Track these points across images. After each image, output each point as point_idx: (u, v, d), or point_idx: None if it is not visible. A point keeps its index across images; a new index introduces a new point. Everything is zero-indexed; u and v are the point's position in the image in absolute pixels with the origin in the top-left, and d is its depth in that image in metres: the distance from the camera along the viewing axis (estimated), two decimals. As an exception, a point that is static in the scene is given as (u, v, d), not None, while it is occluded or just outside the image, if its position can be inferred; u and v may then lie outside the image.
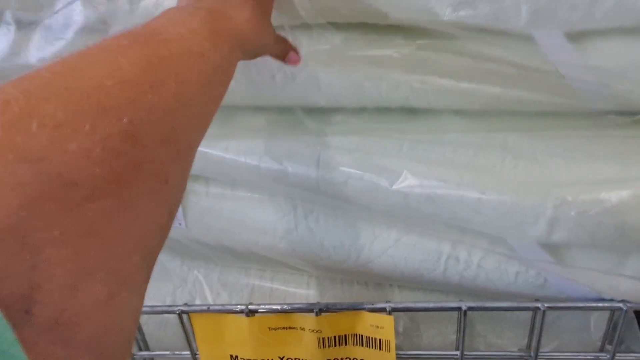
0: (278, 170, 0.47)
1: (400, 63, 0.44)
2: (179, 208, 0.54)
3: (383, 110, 0.49)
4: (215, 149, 0.48)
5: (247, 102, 0.49)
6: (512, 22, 0.39)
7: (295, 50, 0.41)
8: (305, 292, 0.58)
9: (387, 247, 0.49)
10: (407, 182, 0.44)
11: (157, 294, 0.60)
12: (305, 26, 0.42)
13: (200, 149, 0.48)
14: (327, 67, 0.44)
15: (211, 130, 0.49)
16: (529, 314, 0.48)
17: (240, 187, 0.53)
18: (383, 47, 0.43)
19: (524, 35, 0.40)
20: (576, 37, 0.40)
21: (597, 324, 0.52)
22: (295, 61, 0.41)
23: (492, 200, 0.42)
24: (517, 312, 0.52)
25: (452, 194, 0.43)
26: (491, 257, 0.47)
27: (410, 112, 0.49)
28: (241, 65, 0.45)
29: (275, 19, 0.39)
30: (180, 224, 0.55)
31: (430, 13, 0.38)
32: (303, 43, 0.43)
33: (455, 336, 0.53)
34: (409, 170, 0.44)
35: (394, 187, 0.44)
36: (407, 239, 0.49)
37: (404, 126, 0.47)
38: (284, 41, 0.40)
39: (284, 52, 0.40)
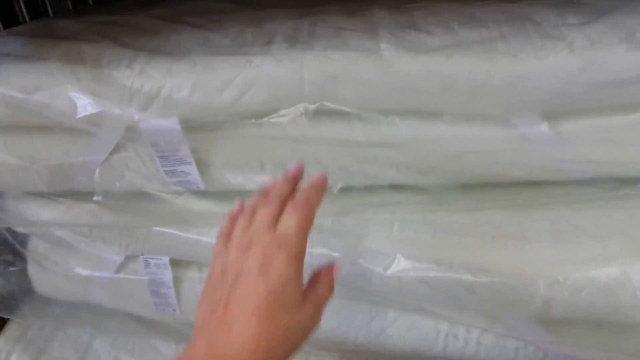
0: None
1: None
2: (173, 295, 0.54)
3: (370, 188, 0.49)
4: (207, 237, 0.48)
5: (236, 191, 0.50)
6: (490, 109, 0.41)
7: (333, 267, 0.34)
8: (305, 370, 0.57)
9: (385, 326, 0.49)
10: (401, 266, 0.44)
11: (152, 381, 0.58)
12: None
13: (191, 236, 0.49)
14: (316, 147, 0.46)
15: (203, 220, 0.50)
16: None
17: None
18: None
19: (503, 120, 0.42)
20: (552, 117, 0.41)
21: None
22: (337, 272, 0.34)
23: (486, 282, 0.42)
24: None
25: (446, 276, 0.43)
26: (490, 334, 0.47)
27: (397, 188, 0.49)
28: (231, 159, 0.46)
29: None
30: (174, 310, 0.54)
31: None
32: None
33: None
34: (401, 254, 0.44)
35: (388, 272, 0.44)
36: (405, 318, 0.49)
37: (392, 206, 0.48)
38: (317, 311, 0.32)
39: (318, 321, 0.32)
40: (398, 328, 0.49)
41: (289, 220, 0.32)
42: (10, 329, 0.65)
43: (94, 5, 0.79)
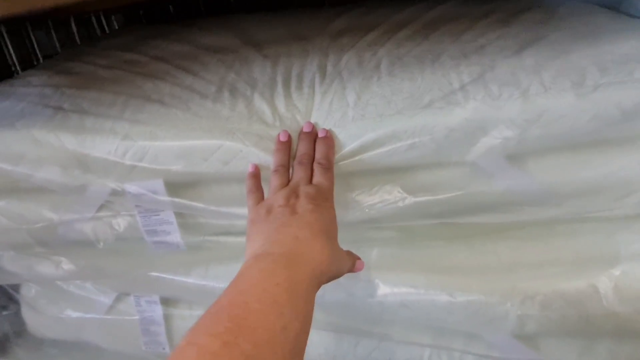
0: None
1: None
2: (163, 333, 0.55)
3: (349, 225, 0.50)
4: (194, 278, 0.50)
5: (221, 231, 0.50)
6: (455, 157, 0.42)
7: (359, 258, 0.41)
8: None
9: (371, 349, 0.50)
10: (380, 291, 0.45)
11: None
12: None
13: (179, 278, 0.50)
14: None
15: (187, 265, 0.51)
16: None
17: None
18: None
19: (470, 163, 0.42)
20: (516, 157, 0.42)
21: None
22: (361, 267, 0.41)
23: (462, 301, 0.44)
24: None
25: (424, 298, 0.45)
26: (471, 352, 0.48)
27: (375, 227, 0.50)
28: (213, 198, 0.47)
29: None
30: (164, 349, 0.55)
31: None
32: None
33: None
34: (380, 279, 0.46)
35: (368, 297, 0.45)
36: (389, 340, 0.50)
37: (371, 234, 0.49)
38: (352, 256, 0.40)
39: (353, 265, 0.40)
40: (383, 351, 0.50)
41: (323, 179, 0.39)
42: (6, 372, 0.65)
43: (82, 44, 0.81)
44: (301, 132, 0.42)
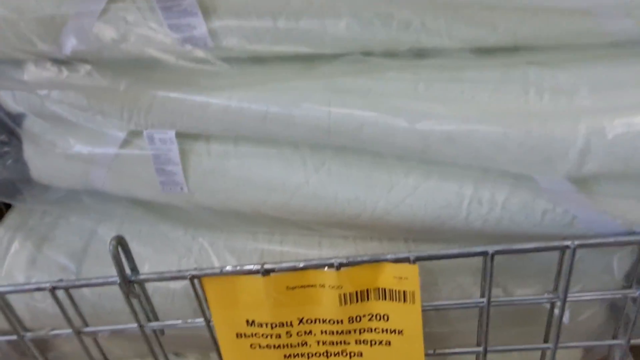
0: (287, 118, 0.44)
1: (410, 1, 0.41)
2: (180, 172, 0.51)
3: (391, 54, 0.46)
4: (218, 98, 0.45)
5: (248, 52, 0.45)
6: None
7: None
8: (318, 253, 0.55)
9: (405, 195, 0.47)
10: (426, 122, 0.41)
11: (161, 265, 0.57)
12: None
13: (201, 99, 0.46)
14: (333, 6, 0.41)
15: (212, 82, 0.46)
16: (550, 260, 0.47)
17: (244, 143, 0.50)
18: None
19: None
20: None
21: (620, 264, 0.51)
22: None
23: (519, 135, 0.40)
24: (537, 259, 0.51)
25: (475, 130, 0.40)
26: (516, 198, 0.45)
27: (420, 54, 0.46)
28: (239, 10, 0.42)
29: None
30: (182, 189, 0.52)
31: None
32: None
33: (474, 288, 0.52)
34: (427, 110, 0.41)
35: (413, 127, 0.41)
36: (426, 185, 0.46)
37: (416, 67, 0.44)
38: None
39: None
40: (419, 196, 0.47)
41: None
42: (10, 218, 0.63)
43: None
44: None
